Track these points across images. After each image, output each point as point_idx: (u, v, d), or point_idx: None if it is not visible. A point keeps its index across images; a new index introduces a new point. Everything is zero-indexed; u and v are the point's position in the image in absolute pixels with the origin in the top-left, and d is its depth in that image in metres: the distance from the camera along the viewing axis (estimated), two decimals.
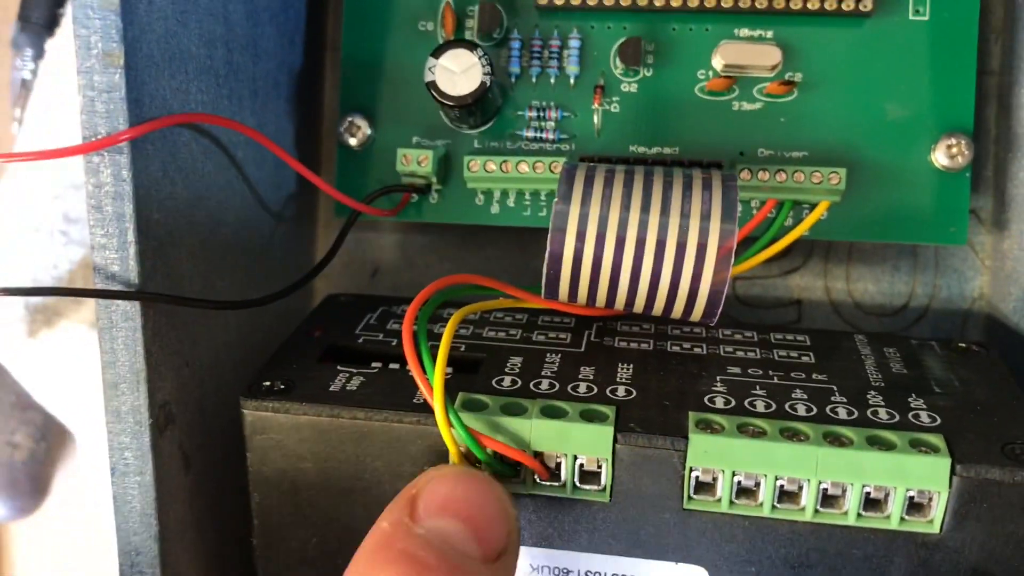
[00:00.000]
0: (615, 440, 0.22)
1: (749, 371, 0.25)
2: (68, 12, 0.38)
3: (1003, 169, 0.29)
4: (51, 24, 0.43)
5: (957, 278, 0.31)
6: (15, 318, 0.34)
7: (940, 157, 0.28)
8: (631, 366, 0.25)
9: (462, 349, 0.26)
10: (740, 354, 0.26)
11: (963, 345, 0.27)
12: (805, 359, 0.25)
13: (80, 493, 0.42)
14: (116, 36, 0.21)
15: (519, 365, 0.25)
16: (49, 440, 0.41)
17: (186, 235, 0.24)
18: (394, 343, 0.26)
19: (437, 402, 0.21)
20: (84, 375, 0.35)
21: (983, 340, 0.29)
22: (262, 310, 0.28)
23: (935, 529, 0.22)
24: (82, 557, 0.43)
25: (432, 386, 0.21)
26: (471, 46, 0.26)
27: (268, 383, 0.24)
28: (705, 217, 0.23)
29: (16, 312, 0.34)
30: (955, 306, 0.31)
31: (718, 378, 0.24)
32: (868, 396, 0.23)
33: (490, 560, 0.19)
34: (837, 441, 0.22)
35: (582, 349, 0.26)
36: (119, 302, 0.22)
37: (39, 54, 0.43)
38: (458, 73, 0.26)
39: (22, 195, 0.35)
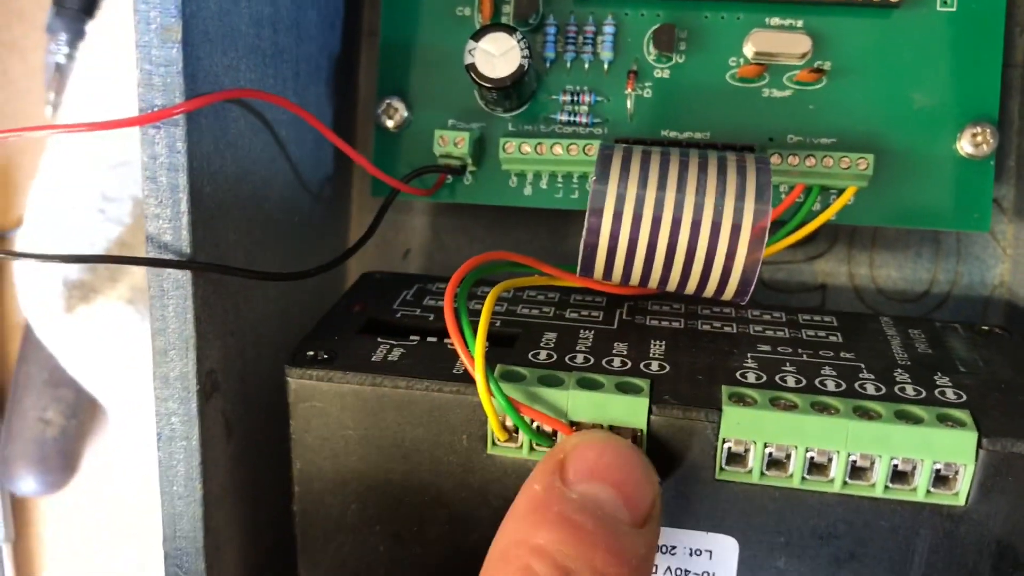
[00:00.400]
0: (650, 411, 0.23)
1: (779, 349, 0.25)
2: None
3: None
4: (86, 9, 0.44)
5: (978, 265, 0.31)
6: (53, 294, 0.35)
7: (965, 145, 0.28)
8: (663, 343, 0.25)
9: (497, 325, 0.26)
10: (769, 333, 0.26)
11: (986, 328, 0.27)
12: (833, 339, 0.26)
13: (110, 468, 0.43)
14: (175, 11, 0.21)
15: (554, 340, 0.25)
16: (80, 417, 0.42)
17: (233, 209, 0.25)
18: (431, 318, 0.27)
19: (478, 371, 0.22)
20: (118, 351, 0.36)
21: (1004, 325, 0.29)
22: (299, 286, 0.29)
23: (960, 502, 0.22)
24: (110, 531, 0.44)
25: (473, 356, 0.22)
26: (510, 30, 0.27)
27: (312, 353, 0.24)
28: (740, 197, 0.24)
29: (54, 288, 0.35)
30: (976, 293, 0.31)
31: (749, 355, 0.25)
32: (895, 374, 0.24)
33: (638, 525, 0.20)
34: (866, 415, 0.22)
35: (615, 326, 0.26)
36: (170, 271, 0.23)
37: (74, 38, 0.44)
38: (497, 56, 0.27)
39: (60, 174, 0.35)
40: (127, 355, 0.36)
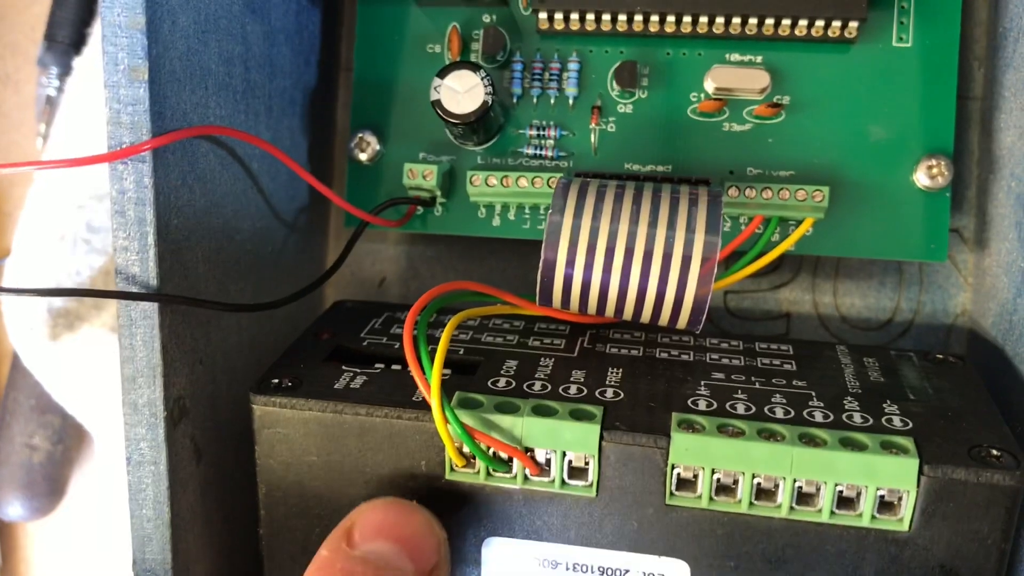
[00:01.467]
0: (601, 438, 0.23)
1: (732, 377, 0.26)
2: (95, 33, 0.40)
3: (985, 189, 0.31)
4: (77, 44, 0.45)
5: (941, 294, 0.32)
6: (38, 322, 0.36)
7: (921, 177, 0.29)
8: (620, 370, 0.26)
9: (461, 352, 0.27)
10: (725, 361, 0.27)
11: (940, 356, 0.28)
12: (787, 367, 0.27)
13: (96, 494, 0.43)
14: (141, 53, 0.22)
15: (514, 368, 0.26)
16: (66, 443, 0.43)
17: (202, 240, 0.26)
18: (397, 346, 0.27)
19: (434, 399, 0.23)
20: (103, 377, 0.37)
21: (965, 354, 0.30)
22: (272, 314, 0.30)
23: (904, 527, 0.23)
24: (96, 554, 0.44)
25: (430, 384, 0.23)
26: (474, 67, 0.28)
27: (277, 380, 0.25)
28: (691, 230, 0.25)
29: (39, 316, 0.36)
30: (939, 321, 0.32)
31: (702, 383, 0.26)
32: (844, 401, 0.25)
33: (424, 574, 0.22)
34: (812, 442, 0.23)
35: (575, 354, 0.27)
36: (139, 303, 0.23)
37: (64, 72, 0.45)
38: (462, 93, 0.28)
39: (47, 205, 0.36)
40: (111, 382, 0.37)
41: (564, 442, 0.23)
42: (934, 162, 0.29)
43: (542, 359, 0.27)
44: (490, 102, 0.28)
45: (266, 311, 0.28)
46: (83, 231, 0.36)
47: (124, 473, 0.36)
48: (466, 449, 0.24)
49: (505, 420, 0.24)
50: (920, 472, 0.22)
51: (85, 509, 0.44)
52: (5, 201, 0.47)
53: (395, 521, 0.23)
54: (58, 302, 0.36)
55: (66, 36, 0.45)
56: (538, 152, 0.30)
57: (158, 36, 0.23)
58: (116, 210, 0.23)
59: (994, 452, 0.22)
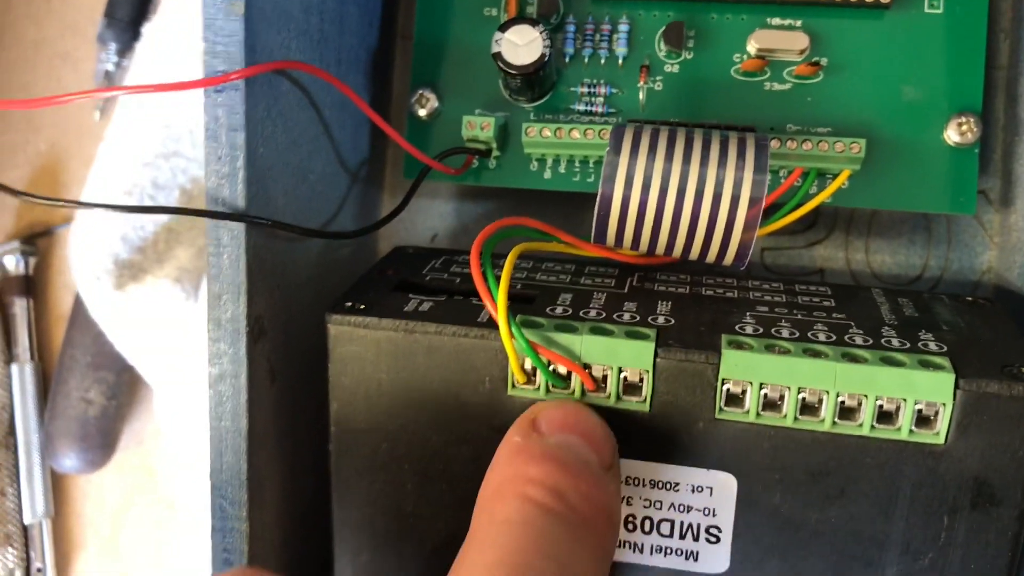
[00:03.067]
0: (656, 354, 0.25)
1: (775, 310, 0.28)
2: (160, 3, 0.42)
3: (1010, 152, 0.32)
4: (135, 21, 0.47)
5: (967, 252, 0.34)
6: (104, 272, 0.38)
7: (952, 134, 0.31)
8: (669, 303, 0.28)
9: (518, 287, 0.29)
10: (768, 298, 0.29)
11: (970, 299, 0.29)
12: (826, 303, 0.28)
13: (148, 447, 0.45)
14: None
15: (569, 300, 0.28)
16: (119, 398, 0.45)
17: (282, 174, 0.27)
18: (458, 281, 0.29)
19: (500, 315, 0.24)
20: (165, 327, 0.39)
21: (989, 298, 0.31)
22: (336, 255, 0.31)
23: (940, 440, 0.24)
24: (146, 510, 0.46)
25: (496, 302, 0.25)
26: (533, 22, 0.30)
27: (350, 303, 0.27)
28: (740, 169, 0.26)
29: (105, 266, 0.38)
30: (965, 278, 0.34)
31: (747, 313, 0.27)
32: (882, 330, 0.26)
33: (606, 468, 0.23)
34: (853, 359, 0.24)
35: (625, 290, 0.29)
36: (227, 223, 0.25)
37: (122, 48, 0.47)
38: (521, 46, 0.30)
39: (116, 161, 0.38)
40: (173, 332, 0.38)
41: (620, 359, 0.25)
42: (963, 119, 0.30)
43: (595, 293, 0.28)
44: (548, 54, 0.30)
45: (332, 250, 0.30)
46: (149, 187, 0.38)
47: (191, 424, 0.38)
48: (528, 365, 0.25)
49: (564, 338, 0.25)
50: (956, 386, 0.24)
51: (136, 463, 0.46)
52: (62, 173, 0.50)
53: (577, 418, 0.24)
54: (124, 254, 0.38)
55: (125, 13, 0.47)
56: (589, 108, 0.32)
57: None
58: (209, 136, 0.25)
59: None
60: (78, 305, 0.44)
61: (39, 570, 0.45)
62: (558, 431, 0.24)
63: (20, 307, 0.47)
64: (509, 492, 0.22)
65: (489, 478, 0.23)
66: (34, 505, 0.45)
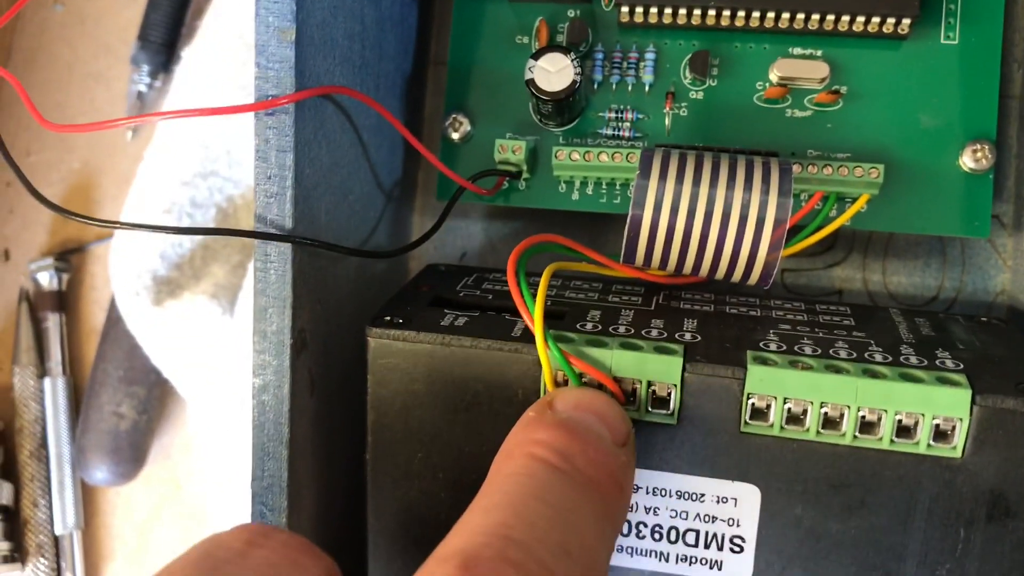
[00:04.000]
0: (684, 369, 0.26)
1: (797, 328, 0.29)
2: (199, 28, 0.43)
3: (1023, 178, 0.33)
4: (168, 43, 0.49)
5: (981, 275, 0.35)
6: (143, 288, 0.39)
7: (967, 160, 0.32)
8: (696, 320, 0.29)
9: (549, 304, 0.30)
10: (790, 316, 0.30)
11: (985, 319, 0.30)
12: (846, 322, 0.29)
13: (178, 461, 0.46)
14: (290, 17, 0.26)
15: (598, 316, 0.29)
16: (150, 413, 0.46)
17: (325, 194, 0.29)
18: (491, 297, 0.30)
19: (537, 326, 0.26)
20: (201, 343, 0.40)
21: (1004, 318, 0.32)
22: (372, 273, 0.33)
23: (957, 454, 0.25)
24: (175, 523, 0.47)
25: (532, 315, 0.26)
26: (565, 50, 0.31)
27: (388, 317, 0.28)
28: (765, 192, 0.27)
29: (144, 282, 0.39)
30: (979, 299, 0.35)
31: (771, 331, 0.28)
32: (901, 348, 0.27)
33: (618, 445, 0.24)
34: (874, 375, 0.25)
35: (652, 308, 0.30)
36: (276, 242, 0.27)
37: (155, 70, 0.49)
38: (553, 72, 0.31)
39: (156, 180, 0.40)
40: (209, 347, 0.40)
41: (649, 373, 0.26)
42: (978, 146, 0.32)
43: (623, 310, 0.29)
44: (579, 81, 0.31)
45: (368, 267, 0.31)
46: (187, 206, 0.39)
47: (223, 437, 0.39)
48: (560, 376, 0.26)
49: (596, 352, 0.26)
50: (972, 402, 0.25)
51: (165, 477, 0.47)
52: (95, 190, 0.51)
53: (591, 400, 0.25)
54: (162, 271, 0.39)
55: (158, 36, 0.49)
56: (616, 133, 0.33)
57: (303, 4, 0.26)
58: (259, 156, 0.26)
59: None
60: (110, 320, 0.46)
61: None
62: (572, 409, 0.24)
63: (53, 322, 0.48)
64: (517, 452, 0.23)
65: (502, 447, 0.24)
66: (65, 517, 0.46)
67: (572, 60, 0.31)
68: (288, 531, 0.24)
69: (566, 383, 0.26)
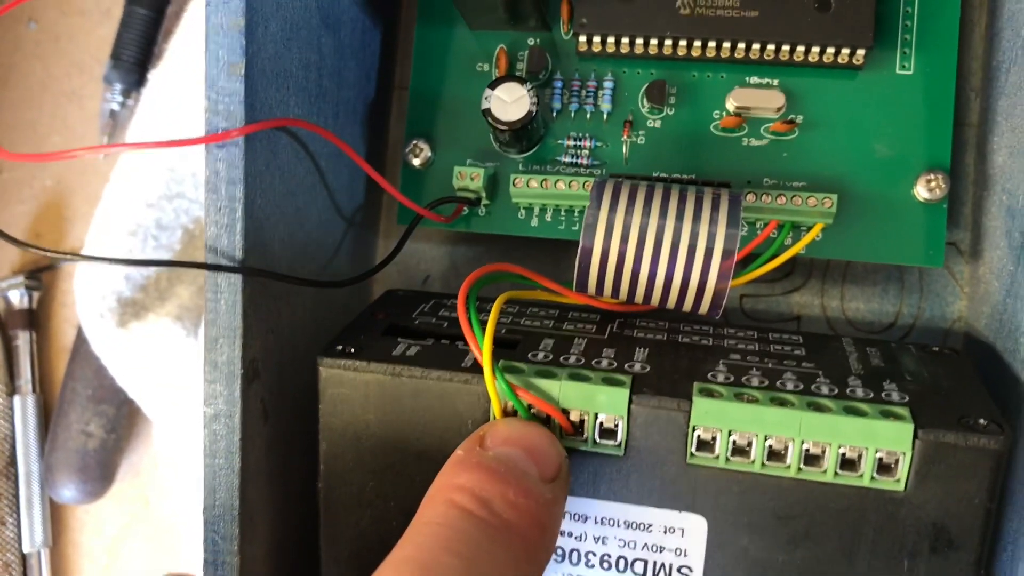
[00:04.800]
0: (631, 401, 0.26)
1: (747, 358, 0.29)
2: (167, 51, 0.43)
3: (979, 206, 0.34)
4: (141, 62, 0.49)
5: (939, 302, 0.35)
6: (107, 309, 0.39)
7: (921, 190, 0.32)
8: (647, 350, 0.29)
9: (503, 332, 0.30)
10: (741, 346, 0.30)
11: (937, 349, 0.31)
12: (797, 352, 0.30)
13: (146, 480, 0.46)
14: (239, 51, 0.26)
15: (551, 346, 0.29)
16: (119, 432, 0.46)
17: (279, 224, 0.29)
18: (445, 325, 0.30)
19: (485, 358, 0.26)
20: (165, 364, 0.40)
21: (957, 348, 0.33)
22: (330, 300, 0.33)
23: (900, 487, 0.25)
24: (143, 541, 0.47)
25: (481, 347, 0.26)
26: (521, 80, 0.31)
27: (341, 347, 0.28)
28: (713, 223, 0.28)
29: (108, 304, 0.39)
30: (937, 326, 0.35)
31: (720, 361, 0.28)
32: (848, 379, 0.27)
33: (546, 480, 0.24)
34: (818, 408, 0.26)
35: (605, 336, 0.30)
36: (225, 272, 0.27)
37: (128, 89, 0.49)
38: (510, 102, 0.31)
39: (121, 202, 0.40)
40: (173, 368, 0.40)
41: (597, 404, 0.26)
42: (932, 176, 0.32)
43: (576, 339, 0.30)
44: (534, 111, 0.31)
45: (327, 293, 0.31)
46: (152, 227, 0.39)
47: (189, 456, 0.39)
48: (509, 406, 0.27)
49: (545, 383, 0.27)
50: (915, 436, 0.25)
51: (133, 495, 0.47)
52: (66, 208, 0.51)
53: (521, 433, 0.25)
54: (127, 293, 0.39)
55: (131, 55, 0.49)
56: (574, 160, 0.34)
57: (253, 37, 0.26)
58: (209, 189, 0.26)
59: (981, 421, 0.25)
60: (80, 339, 0.46)
61: None
62: (500, 445, 0.25)
63: (23, 340, 0.48)
64: (437, 498, 0.23)
65: (429, 489, 0.24)
66: (33, 535, 0.46)
67: (528, 90, 0.31)
68: None
69: (515, 414, 0.27)
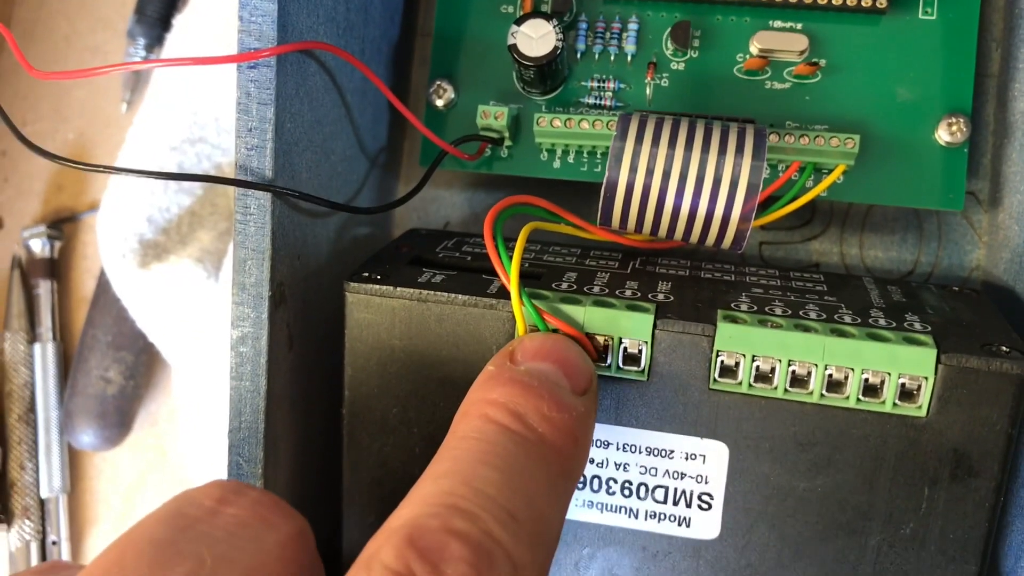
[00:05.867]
0: (655, 326, 0.26)
1: (770, 292, 0.29)
2: (187, 8, 0.44)
3: (999, 154, 0.34)
4: (164, 18, 0.49)
5: (957, 250, 0.35)
6: (129, 250, 0.39)
7: (942, 134, 0.32)
8: (670, 283, 0.29)
9: (526, 266, 0.30)
10: (763, 282, 0.30)
11: (957, 288, 0.31)
12: (819, 288, 0.30)
13: (165, 428, 0.47)
14: None
15: (574, 278, 0.29)
16: (137, 379, 0.46)
17: (307, 150, 0.29)
18: (469, 259, 0.31)
19: (512, 282, 0.26)
20: (186, 306, 0.40)
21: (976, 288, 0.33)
22: (352, 234, 0.33)
23: (923, 413, 0.26)
24: (161, 488, 0.47)
25: (508, 271, 0.26)
26: (547, 16, 0.31)
27: (367, 273, 0.28)
28: (739, 155, 0.28)
29: (130, 245, 0.39)
30: (955, 274, 0.35)
31: (743, 294, 0.29)
32: (871, 312, 0.28)
33: (578, 393, 0.24)
34: (841, 334, 0.26)
35: (628, 271, 0.30)
36: (254, 192, 0.27)
37: (151, 44, 0.49)
38: (535, 39, 0.32)
39: (144, 145, 0.40)
40: (194, 310, 0.40)
41: (621, 329, 0.27)
42: (954, 120, 0.32)
43: (599, 273, 0.30)
44: (560, 47, 0.31)
45: (350, 228, 0.31)
46: (175, 171, 0.40)
47: (209, 402, 0.39)
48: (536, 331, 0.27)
49: (570, 308, 0.27)
50: (938, 361, 0.25)
51: (151, 443, 0.47)
52: (89, 158, 0.51)
53: (552, 347, 0.25)
54: (148, 235, 0.39)
55: (155, 10, 0.49)
56: (598, 102, 0.34)
57: None
58: (240, 109, 0.27)
59: (1004, 348, 0.25)
60: (100, 286, 0.46)
61: (54, 543, 0.47)
62: (531, 359, 0.25)
63: (44, 289, 0.48)
64: (472, 412, 0.23)
65: (461, 405, 0.24)
66: (51, 480, 0.47)
67: (554, 26, 0.31)
68: (261, 489, 0.25)
69: None
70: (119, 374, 0.45)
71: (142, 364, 0.46)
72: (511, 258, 0.26)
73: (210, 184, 0.40)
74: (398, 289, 0.28)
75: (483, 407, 0.23)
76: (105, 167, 0.26)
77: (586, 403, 0.24)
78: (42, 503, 0.47)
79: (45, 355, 0.47)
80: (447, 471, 0.21)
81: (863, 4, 0.32)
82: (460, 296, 0.27)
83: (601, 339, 0.27)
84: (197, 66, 0.26)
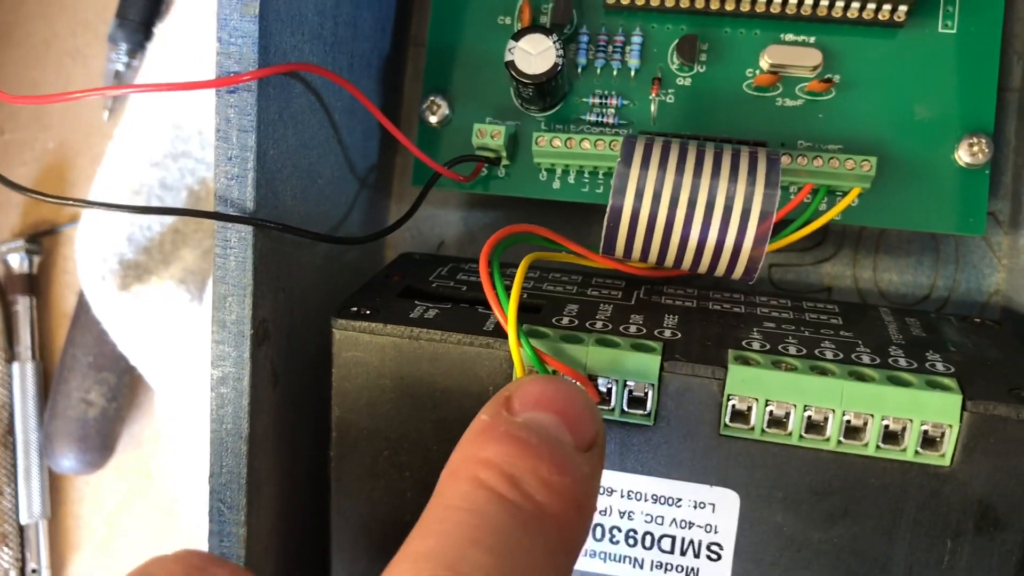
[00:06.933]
0: (662, 368, 0.25)
1: (782, 326, 0.27)
2: (174, 5, 0.42)
3: (1020, 174, 0.32)
4: (146, 22, 0.47)
5: (975, 274, 0.33)
6: (109, 272, 0.38)
7: (963, 155, 0.30)
8: (676, 316, 0.28)
9: (525, 297, 0.29)
10: (775, 314, 0.28)
11: (978, 320, 0.29)
12: (834, 321, 0.28)
13: (148, 450, 0.45)
14: None
15: (575, 311, 0.28)
16: (119, 401, 0.44)
17: (291, 177, 0.27)
18: (464, 288, 0.29)
19: (510, 323, 0.24)
20: (168, 329, 0.38)
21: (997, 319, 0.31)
22: (342, 261, 0.31)
23: (946, 462, 0.24)
24: (143, 512, 0.46)
25: (505, 311, 0.24)
26: (547, 31, 0.30)
27: (355, 308, 0.27)
28: (751, 183, 0.26)
29: (110, 266, 0.38)
30: (973, 299, 0.33)
31: (754, 329, 0.27)
32: (890, 349, 0.26)
33: (582, 449, 0.21)
34: (861, 378, 0.24)
35: (632, 303, 0.29)
36: (235, 226, 0.25)
37: (133, 49, 0.47)
38: (534, 55, 0.30)
39: (124, 161, 0.38)
40: (176, 334, 0.38)
41: (626, 371, 0.25)
42: (975, 140, 0.30)
43: (601, 305, 0.28)
44: (560, 64, 0.30)
45: (338, 256, 0.30)
46: (156, 187, 0.38)
47: (192, 425, 0.38)
48: (533, 373, 0.25)
49: (571, 349, 0.25)
50: (963, 407, 0.24)
51: (134, 466, 0.45)
52: (70, 171, 0.50)
53: (554, 395, 0.22)
54: (129, 254, 0.37)
55: (136, 14, 0.47)
56: (600, 119, 0.32)
57: None
58: (220, 136, 0.25)
59: None
60: (81, 305, 0.44)
61: (34, 571, 0.45)
62: (530, 408, 0.21)
63: (23, 305, 0.46)
64: (463, 474, 0.20)
65: (450, 459, 0.21)
66: (31, 505, 0.45)
67: (554, 42, 0.30)
68: (235, 566, 0.23)
69: None
70: (101, 396, 0.44)
71: (125, 385, 0.44)
72: (508, 295, 0.25)
73: (193, 200, 0.39)
74: (388, 326, 0.26)
75: (474, 468, 0.20)
76: (75, 200, 0.24)
77: (591, 461, 0.21)
78: (21, 529, 0.45)
79: (24, 375, 0.45)
80: (431, 551, 0.19)
81: (880, 17, 0.30)
82: (454, 334, 0.26)
83: (604, 381, 0.25)
84: (175, 90, 0.24)
